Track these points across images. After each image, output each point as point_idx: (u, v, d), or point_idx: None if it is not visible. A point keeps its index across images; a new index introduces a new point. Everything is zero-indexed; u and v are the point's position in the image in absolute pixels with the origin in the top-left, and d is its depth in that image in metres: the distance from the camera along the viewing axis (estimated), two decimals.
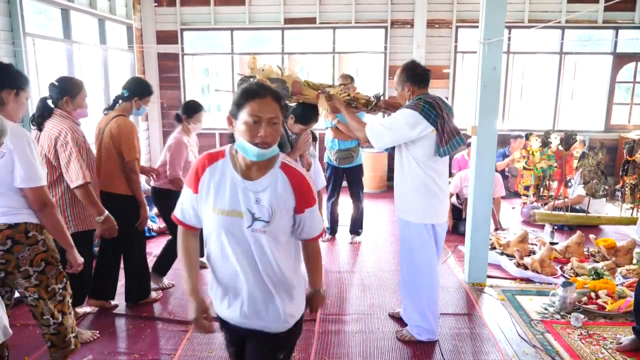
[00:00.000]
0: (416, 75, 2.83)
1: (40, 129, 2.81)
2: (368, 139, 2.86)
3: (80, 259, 2.43)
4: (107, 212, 2.89)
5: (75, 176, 2.72)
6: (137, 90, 3.25)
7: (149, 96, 3.32)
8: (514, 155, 6.11)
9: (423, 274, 2.88)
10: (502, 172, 6.48)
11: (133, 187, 3.18)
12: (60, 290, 2.37)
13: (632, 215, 5.22)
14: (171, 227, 3.60)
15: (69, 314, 2.43)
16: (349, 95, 3.08)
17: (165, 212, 3.64)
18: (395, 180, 2.94)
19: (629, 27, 7.15)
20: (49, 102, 2.87)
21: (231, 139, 1.81)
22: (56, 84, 2.90)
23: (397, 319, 3.26)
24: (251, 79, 3.00)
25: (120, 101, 3.23)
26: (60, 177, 2.82)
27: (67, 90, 2.87)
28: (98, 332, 3.06)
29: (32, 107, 3.56)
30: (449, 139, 2.72)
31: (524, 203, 5.86)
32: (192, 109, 3.71)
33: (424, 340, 2.96)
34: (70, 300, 2.46)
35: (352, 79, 4.69)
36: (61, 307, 2.38)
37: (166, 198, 3.62)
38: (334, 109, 2.99)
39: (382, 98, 3.14)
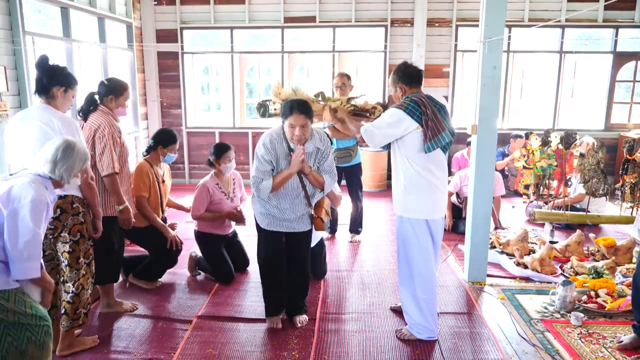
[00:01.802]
0: (407, 76, 2.92)
1: (85, 119, 3.15)
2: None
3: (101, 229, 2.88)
4: (126, 203, 3.13)
5: (106, 165, 3.02)
6: (161, 139, 3.74)
7: (174, 144, 3.76)
8: (514, 154, 6.10)
9: (419, 270, 2.90)
10: (502, 172, 6.48)
11: (147, 219, 3.63)
12: (85, 265, 2.76)
13: (632, 214, 5.22)
14: (213, 266, 3.92)
15: (87, 290, 2.78)
16: (353, 106, 3.24)
17: (204, 253, 3.97)
18: (392, 178, 3.02)
19: (629, 26, 7.14)
20: (96, 97, 3.21)
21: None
22: (105, 82, 3.25)
23: (399, 313, 3.27)
24: (267, 102, 3.32)
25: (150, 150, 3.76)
26: (94, 165, 3.05)
27: (114, 90, 3.21)
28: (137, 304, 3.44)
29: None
30: (433, 135, 2.77)
31: (530, 202, 5.86)
32: (220, 151, 3.91)
33: (424, 339, 2.96)
34: (91, 280, 2.83)
35: (348, 77, 4.71)
36: (82, 280, 2.75)
37: (204, 241, 3.93)
38: (340, 119, 3.19)
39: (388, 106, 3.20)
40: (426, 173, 2.84)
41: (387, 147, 3.01)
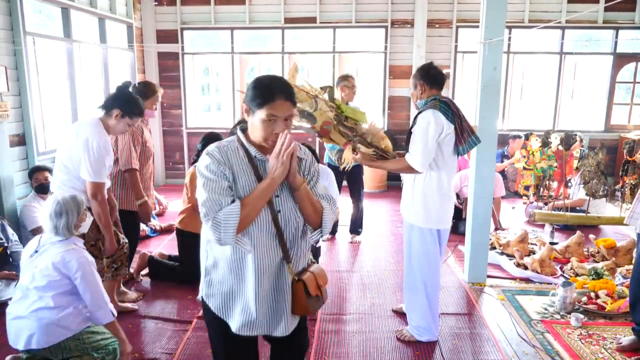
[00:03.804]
0: (429, 76, 2.86)
1: None
2: (415, 170, 2.73)
3: (115, 246, 2.99)
4: (145, 198, 3.34)
5: (124, 162, 3.34)
6: (209, 142, 3.83)
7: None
8: (515, 157, 6.09)
9: (425, 276, 2.90)
10: (502, 172, 6.48)
11: None
12: (111, 270, 3.06)
13: None
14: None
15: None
16: (376, 149, 2.86)
17: None
18: (406, 183, 2.93)
19: (629, 27, 7.15)
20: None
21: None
22: (136, 85, 3.56)
23: (401, 314, 3.27)
24: None
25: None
26: (116, 160, 3.38)
27: (142, 93, 3.47)
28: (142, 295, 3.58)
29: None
30: (467, 137, 2.76)
31: (530, 203, 5.86)
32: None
33: (424, 340, 2.96)
34: (107, 274, 3.04)
35: (352, 78, 4.69)
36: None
37: None
38: (363, 162, 2.89)
39: None
40: (444, 182, 2.79)
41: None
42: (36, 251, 2.44)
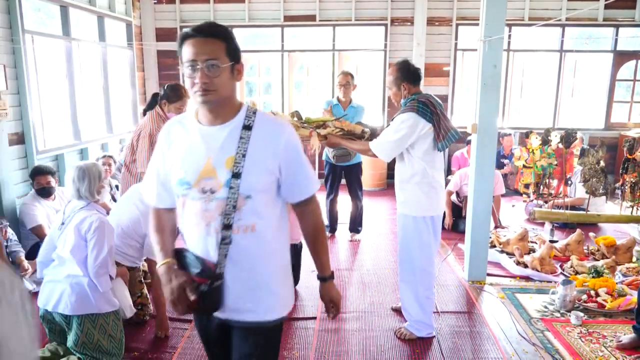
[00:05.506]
0: (411, 74, 2.92)
1: (144, 114, 3.70)
2: (375, 156, 2.91)
3: None
4: None
5: (140, 163, 3.45)
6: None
7: None
8: (517, 163, 6.04)
9: (423, 266, 2.93)
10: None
11: None
12: None
13: (631, 213, 5.21)
14: None
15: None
16: (342, 130, 3.07)
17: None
18: (397, 177, 2.99)
19: (630, 25, 7.13)
20: (157, 98, 3.62)
21: None
22: (165, 87, 3.62)
23: (399, 312, 3.28)
24: None
25: None
26: (134, 160, 3.55)
27: (168, 96, 3.53)
28: None
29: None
30: (445, 134, 2.83)
31: (530, 201, 5.86)
32: None
33: (424, 336, 2.97)
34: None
35: (352, 76, 4.69)
36: None
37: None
38: (332, 144, 3.04)
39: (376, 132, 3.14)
40: (432, 171, 2.87)
41: None
42: (63, 223, 2.54)
